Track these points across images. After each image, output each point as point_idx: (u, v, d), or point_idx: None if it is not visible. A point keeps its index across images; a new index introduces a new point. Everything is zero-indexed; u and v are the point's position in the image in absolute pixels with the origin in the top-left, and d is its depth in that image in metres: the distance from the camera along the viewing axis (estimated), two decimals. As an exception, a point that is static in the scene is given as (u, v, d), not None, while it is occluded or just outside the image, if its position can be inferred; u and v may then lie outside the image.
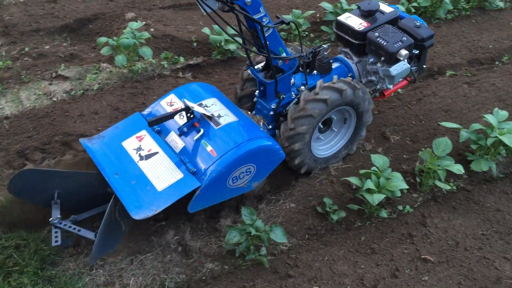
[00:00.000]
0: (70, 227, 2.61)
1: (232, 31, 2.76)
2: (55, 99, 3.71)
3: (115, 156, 2.71)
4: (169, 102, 2.93)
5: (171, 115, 2.70)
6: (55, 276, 2.54)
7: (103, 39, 3.88)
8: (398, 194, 2.84)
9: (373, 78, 3.27)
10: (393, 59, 3.01)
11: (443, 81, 4.13)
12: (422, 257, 2.71)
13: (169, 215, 2.84)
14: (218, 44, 4.19)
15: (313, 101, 2.83)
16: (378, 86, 3.30)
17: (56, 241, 2.55)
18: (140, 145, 2.74)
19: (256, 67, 2.96)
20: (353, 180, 2.88)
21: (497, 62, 4.46)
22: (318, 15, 4.84)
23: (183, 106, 2.75)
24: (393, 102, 3.85)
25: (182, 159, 2.64)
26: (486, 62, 4.47)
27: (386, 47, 2.98)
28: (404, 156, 3.37)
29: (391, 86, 3.22)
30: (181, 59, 4.22)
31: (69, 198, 2.71)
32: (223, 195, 2.71)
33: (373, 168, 2.90)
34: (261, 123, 2.96)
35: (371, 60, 3.19)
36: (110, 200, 2.53)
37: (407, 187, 2.84)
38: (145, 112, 2.97)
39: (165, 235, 2.76)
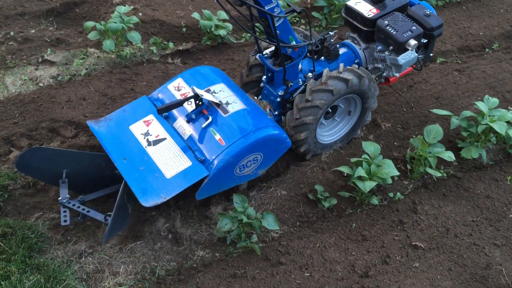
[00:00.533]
0: (79, 207, 2.61)
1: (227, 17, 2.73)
2: (41, 84, 3.63)
3: (122, 141, 2.69)
4: (177, 87, 2.90)
5: (180, 103, 2.69)
6: (43, 264, 2.50)
7: (90, 24, 3.80)
8: (390, 181, 2.84)
9: (380, 65, 3.25)
10: (401, 48, 2.99)
11: (433, 68, 4.13)
12: (413, 243, 2.72)
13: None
14: (208, 30, 4.12)
15: (319, 91, 2.81)
16: (384, 74, 3.28)
17: (65, 221, 2.53)
18: (147, 130, 2.72)
19: (264, 53, 2.92)
20: (344, 169, 2.87)
21: (487, 49, 4.45)
22: (309, 0, 4.79)
23: (190, 92, 2.74)
24: (384, 89, 3.84)
25: (190, 146, 2.63)
26: (476, 49, 4.47)
27: (395, 36, 2.95)
28: (395, 143, 3.37)
29: (397, 74, 3.20)
30: (170, 44, 4.15)
31: (76, 178, 2.69)
32: (230, 183, 2.72)
33: (364, 155, 2.89)
34: (268, 109, 2.94)
35: (379, 48, 3.16)
36: (117, 182, 2.56)
37: (398, 173, 2.84)
38: (152, 95, 2.93)
39: (156, 223, 2.73)
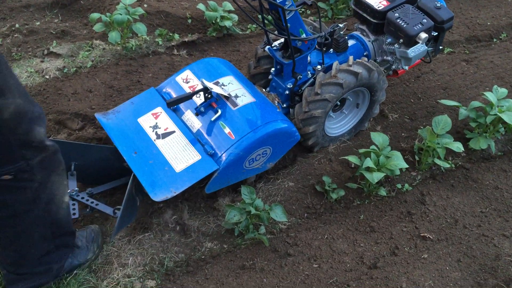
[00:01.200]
0: (87, 200, 2.60)
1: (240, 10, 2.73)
2: (47, 76, 3.62)
3: (131, 133, 2.68)
4: (185, 79, 2.89)
5: (189, 96, 2.67)
6: (52, 256, 2.51)
7: (95, 15, 3.78)
8: (398, 173, 2.82)
9: (389, 58, 3.22)
10: (412, 41, 2.96)
11: (441, 59, 4.09)
12: (421, 235, 2.71)
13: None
14: (213, 21, 4.10)
15: (329, 84, 2.79)
16: (393, 66, 3.26)
17: (74, 214, 2.52)
18: (156, 123, 2.70)
19: (273, 45, 2.91)
20: (352, 159, 2.85)
21: (495, 39, 4.42)
22: (314, -9, 4.76)
23: (199, 84, 2.73)
24: (391, 80, 3.82)
25: (200, 139, 2.62)
26: (484, 39, 4.43)
27: (406, 29, 2.92)
28: (403, 134, 3.36)
29: (406, 67, 3.17)
30: (176, 36, 4.13)
31: (85, 170, 2.68)
32: (239, 176, 2.72)
33: (372, 146, 2.88)
34: (276, 102, 2.93)
35: (389, 40, 3.13)
36: (125, 175, 2.55)
37: (407, 166, 2.82)
38: (160, 87, 2.92)
39: (163, 215, 2.73)
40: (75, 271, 2.43)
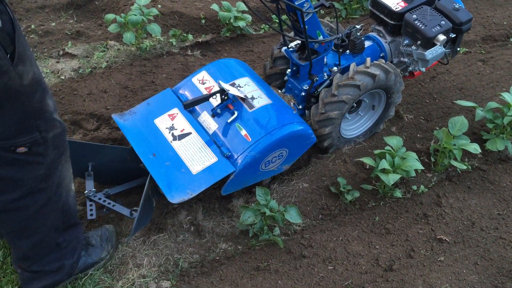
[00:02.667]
0: (104, 201, 2.61)
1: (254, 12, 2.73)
2: (63, 77, 3.65)
3: (148, 135, 2.69)
4: (201, 80, 2.89)
5: (206, 98, 2.67)
6: (68, 256, 2.52)
7: (110, 16, 3.80)
8: (413, 174, 2.80)
9: (406, 59, 3.19)
10: (430, 43, 2.93)
11: (457, 59, 4.05)
12: (438, 237, 2.68)
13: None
14: (227, 21, 4.10)
15: (346, 86, 2.78)
16: (410, 68, 3.23)
17: (91, 215, 2.53)
18: (172, 124, 2.71)
19: (289, 46, 2.90)
20: (367, 160, 2.83)
21: (511, 39, 4.36)
22: (328, -10, 4.73)
23: (215, 85, 2.73)
24: (407, 80, 3.78)
25: (216, 141, 2.62)
26: (500, 39, 4.37)
27: (424, 31, 2.89)
28: (418, 135, 3.33)
29: (423, 69, 3.14)
30: (190, 36, 4.14)
31: (102, 171, 2.70)
32: (255, 178, 2.72)
33: (387, 147, 2.86)
34: (292, 103, 2.92)
35: (406, 42, 3.11)
36: (141, 176, 2.57)
37: (422, 167, 2.79)
38: (177, 88, 2.92)
39: (178, 215, 2.74)
40: (90, 272, 2.44)
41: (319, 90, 2.92)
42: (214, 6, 4.10)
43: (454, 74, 3.88)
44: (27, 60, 1.74)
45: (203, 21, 4.29)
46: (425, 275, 2.49)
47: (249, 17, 4.19)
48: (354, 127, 3.19)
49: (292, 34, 2.78)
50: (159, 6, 4.27)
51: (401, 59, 3.22)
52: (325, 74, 2.97)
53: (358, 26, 3.10)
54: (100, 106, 3.37)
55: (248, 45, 4.15)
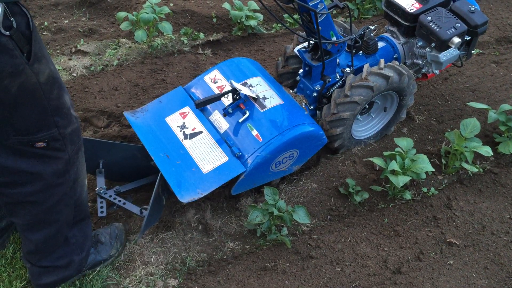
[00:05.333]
0: (115, 198, 2.62)
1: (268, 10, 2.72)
2: (74, 74, 3.67)
3: (159, 133, 2.69)
4: (213, 79, 2.88)
5: (218, 97, 2.66)
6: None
7: (122, 14, 3.82)
8: (423, 176, 2.77)
9: (419, 61, 3.16)
10: (444, 46, 2.89)
11: (470, 60, 4.00)
12: (447, 240, 2.66)
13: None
14: (238, 20, 4.10)
15: (359, 87, 2.76)
16: (423, 70, 3.20)
17: (102, 212, 2.54)
18: (184, 123, 2.71)
19: (301, 46, 2.88)
20: (377, 161, 2.81)
21: (526, 41, 4.30)
22: (341, -10, 4.71)
23: (227, 84, 2.73)
24: (418, 81, 3.74)
25: (227, 141, 2.62)
26: (515, 40, 4.32)
27: (438, 33, 2.86)
28: (429, 137, 3.29)
29: (437, 71, 3.11)
30: (201, 35, 4.14)
31: (112, 168, 2.71)
32: (265, 179, 2.72)
33: (397, 149, 2.84)
34: (303, 104, 2.91)
35: (420, 44, 3.08)
36: (151, 174, 2.59)
37: (433, 169, 2.77)
38: (188, 87, 2.92)
39: (186, 213, 2.74)
40: (98, 268, 2.45)
41: (331, 91, 2.91)
42: (226, 5, 4.09)
43: (467, 76, 3.84)
44: (43, 58, 1.77)
45: (214, 20, 4.29)
46: (434, 279, 2.46)
47: (260, 16, 4.18)
48: (365, 129, 3.17)
49: (304, 34, 2.77)
50: (171, 4, 4.28)
51: (415, 60, 3.19)
52: (337, 75, 2.95)
53: (372, 27, 3.08)
54: (110, 104, 3.38)
55: (259, 44, 4.14)
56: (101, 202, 2.58)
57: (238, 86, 2.68)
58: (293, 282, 2.45)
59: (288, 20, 4.40)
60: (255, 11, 4.16)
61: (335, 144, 2.96)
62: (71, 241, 2.26)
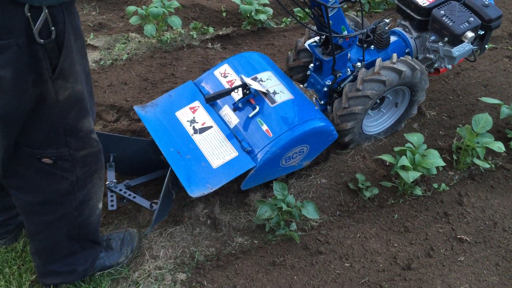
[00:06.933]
0: (125, 192, 2.63)
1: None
2: (84, 69, 3.68)
3: (169, 127, 2.69)
4: (223, 73, 2.87)
5: (228, 92, 2.66)
6: (86, 246, 2.55)
7: (132, 8, 3.82)
8: (434, 171, 2.74)
9: (432, 56, 3.13)
10: (457, 40, 2.86)
11: (482, 55, 3.95)
12: (458, 237, 2.63)
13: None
14: (248, 14, 4.08)
15: (371, 81, 2.74)
16: (436, 65, 3.16)
17: (112, 206, 2.56)
18: (194, 117, 2.70)
19: (311, 40, 2.87)
20: (387, 157, 2.79)
21: (540, 35, 4.24)
22: (351, -16, 4.66)
23: (237, 79, 2.72)
24: (430, 76, 3.70)
25: (237, 135, 2.61)
26: (528, 35, 4.26)
27: (452, 28, 2.82)
28: (441, 132, 3.26)
29: (450, 66, 3.08)
30: (210, 29, 4.13)
31: (122, 162, 2.72)
32: (275, 174, 2.71)
33: (408, 144, 2.81)
34: (314, 98, 2.89)
35: (433, 38, 3.04)
36: (161, 168, 2.59)
37: (443, 164, 2.74)
38: (198, 81, 2.92)
39: (195, 208, 2.74)
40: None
41: (342, 86, 2.88)
42: (235, -1, 4.08)
43: (479, 71, 3.79)
44: (71, 77, 1.71)
45: (224, 14, 4.27)
46: (444, 275, 2.44)
47: (270, 10, 4.16)
48: (376, 124, 3.14)
49: (314, 28, 2.75)
50: (181, -2, 4.27)
51: (427, 55, 3.15)
52: (348, 69, 2.93)
53: (387, 20, 3.04)
54: (120, 98, 3.38)
55: (269, 39, 4.12)
56: (112, 196, 2.59)
57: (248, 81, 2.67)
58: (301, 277, 2.44)
59: (299, 14, 4.37)
60: (264, 5, 4.14)
61: (345, 138, 2.94)
62: (76, 253, 2.25)
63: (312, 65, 2.97)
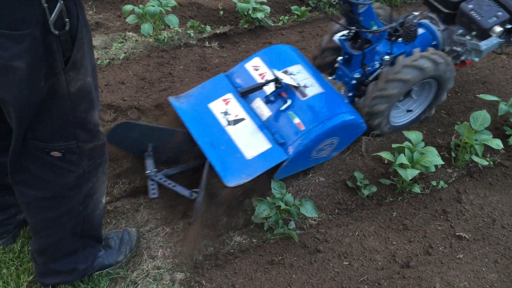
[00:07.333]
0: (165, 181, 2.67)
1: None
2: (81, 68, 3.67)
3: (203, 118, 2.76)
4: (255, 66, 2.93)
5: (261, 86, 2.72)
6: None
7: (129, 7, 3.80)
8: (433, 169, 2.74)
9: (459, 48, 3.14)
10: (485, 34, 2.87)
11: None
12: (457, 234, 2.63)
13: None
14: (245, 13, 4.07)
15: (393, 80, 2.79)
16: (462, 57, 3.18)
17: (153, 193, 2.62)
18: (226, 109, 2.76)
19: (340, 34, 2.91)
20: (385, 155, 2.78)
21: (538, 32, 4.23)
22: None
23: (268, 71, 2.82)
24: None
25: (269, 128, 2.68)
26: (526, 31, 4.25)
27: (480, 22, 2.83)
28: (439, 129, 3.26)
29: (477, 59, 3.10)
30: (208, 28, 4.12)
31: (160, 152, 2.78)
32: (306, 165, 2.81)
33: (406, 142, 2.81)
34: (342, 91, 2.94)
35: (460, 31, 3.06)
36: (196, 158, 2.69)
37: (442, 162, 2.73)
38: (230, 74, 2.97)
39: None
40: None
41: (370, 79, 2.95)
42: (233, -3, 4.07)
43: (477, 68, 3.79)
44: (82, 68, 1.72)
45: (221, 13, 4.26)
46: (443, 273, 2.44)
47: (267, 9, 4.15)
48: (402, 115, 3.20)
49: (342, 22, 2.80)
50: (178, -3, 4.25)
51: (454, 47, 3.16)
52: (376, 63, 2.97)
53: (416, 13, 3.03)
54: (117, 98, 3.37)
55: (267, 37, 4.11)
56: (152, 184, 2.65)
57: (280, 75, 2.73)
58: (300, 276, 2.43)
59: (296, 12, 4.36)
60: (262, 3, 4.13)
61: (375, 121, 2.97)
62: (78, 251, 2.24)
63: (340, 58, 3.01)
